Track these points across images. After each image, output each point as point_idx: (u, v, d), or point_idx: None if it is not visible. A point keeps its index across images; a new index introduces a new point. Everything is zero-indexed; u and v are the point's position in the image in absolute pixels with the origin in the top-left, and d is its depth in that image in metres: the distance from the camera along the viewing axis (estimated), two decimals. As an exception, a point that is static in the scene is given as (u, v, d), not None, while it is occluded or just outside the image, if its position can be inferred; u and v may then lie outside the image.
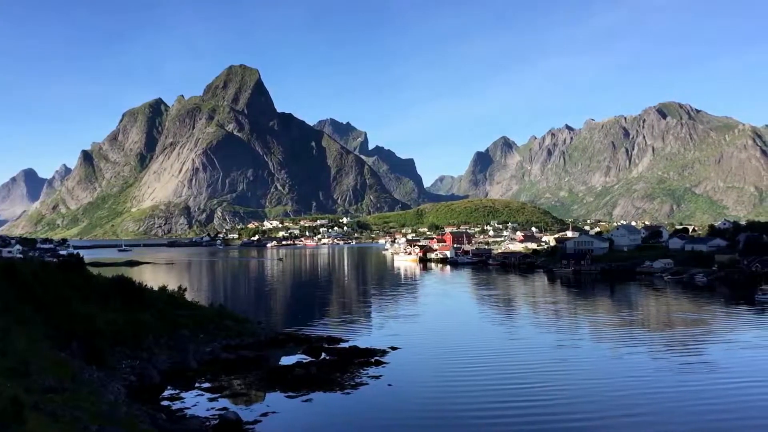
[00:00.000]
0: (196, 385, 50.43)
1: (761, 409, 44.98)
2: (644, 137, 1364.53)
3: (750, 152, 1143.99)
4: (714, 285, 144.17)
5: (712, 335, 77.36)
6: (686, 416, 43.24)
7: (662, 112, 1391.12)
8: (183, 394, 47.48)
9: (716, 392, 49.22)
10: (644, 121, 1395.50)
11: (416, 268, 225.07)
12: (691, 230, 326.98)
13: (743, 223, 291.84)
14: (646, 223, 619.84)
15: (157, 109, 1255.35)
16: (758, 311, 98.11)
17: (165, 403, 44.92)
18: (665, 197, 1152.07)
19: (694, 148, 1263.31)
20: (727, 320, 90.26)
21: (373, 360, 60.09)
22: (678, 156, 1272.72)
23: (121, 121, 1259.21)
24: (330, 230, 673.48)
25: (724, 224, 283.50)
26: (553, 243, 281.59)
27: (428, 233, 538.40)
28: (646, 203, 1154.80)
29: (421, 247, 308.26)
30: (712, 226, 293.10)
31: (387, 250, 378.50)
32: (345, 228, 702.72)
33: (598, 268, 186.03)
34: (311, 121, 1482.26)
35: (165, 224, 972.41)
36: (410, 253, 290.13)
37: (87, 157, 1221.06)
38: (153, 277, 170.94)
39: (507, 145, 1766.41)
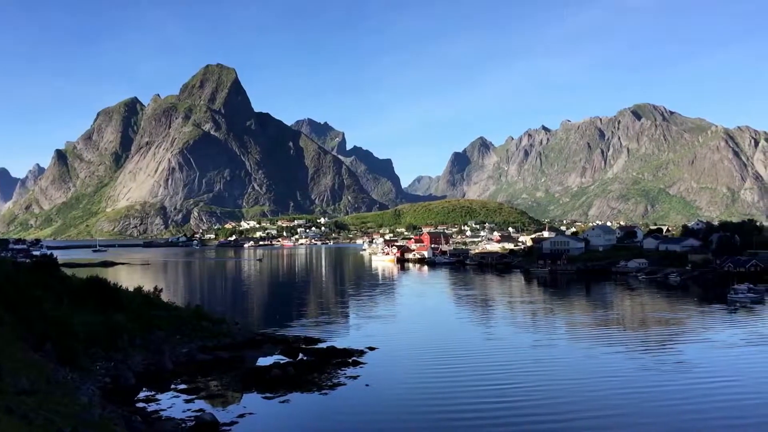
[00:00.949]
0: (172, 386, 50.04)
1: (736, 408, 45.58)
2: (619, 138, 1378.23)
3: (722, 153, 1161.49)
4: (687, 284, 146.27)
5: (686, 334, 78.45)
6: (663, 416, 43.70)
7: (637, 113, 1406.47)
8: (158, 396, 47.07)
9: (692, 391, 49.83)
10: (619, 122, 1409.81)
11: (394, 269, 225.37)
12: (665, 230, 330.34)
13: (716, 223, 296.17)
14: (621, 223, 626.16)
15: (132, 108, 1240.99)
16: (731, 310, 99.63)
17: (140, 404, 44.49)
18: (640, 198, 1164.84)
19: (668, 149, 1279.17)
20: (700, 319, 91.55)
21: (350, 360, 60.11)
22: (652, 157, 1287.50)
23: (95, 120, 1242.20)
24: (308, 230, 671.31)
25: (698, 225, 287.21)
26: (529, 243, 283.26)
27: (406, 233, 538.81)
28: (621, 204, 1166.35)
29: (399, 247, 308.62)
30: (685, 227, 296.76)
31: (365, 250, 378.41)
32: (323, 228, 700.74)
33: (574, 268, 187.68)
34: (289, 121, 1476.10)
35: (140, 224, 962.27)
36: (388, 254, 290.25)
37: (61, 156, 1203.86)
38: (128, 278, 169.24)
39: (484, 145, 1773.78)
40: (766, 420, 42.95)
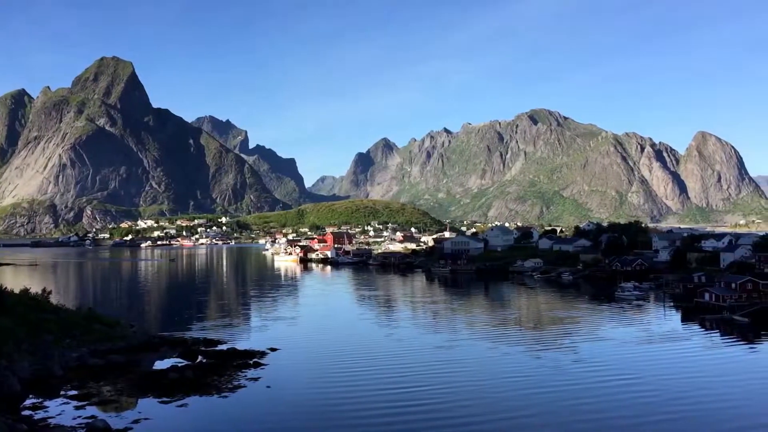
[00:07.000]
0: (62, 392, 47.87)
1: (630, 405, 47.94)
2: (517, 142, 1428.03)
3: (612, 158, 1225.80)
4: (579, 283, 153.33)
5: (580, 332, 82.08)
6: (564, 416, 45.43)
7: (534, 118, 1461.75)
8: (47, 403, 44.91)
9: (588, 390, 52.05)
10: (517, 126, 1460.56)
11: (297, 269, 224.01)
12: (558, 231, 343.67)
13: (605, 224, 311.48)
14: (519, 224, 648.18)
15: (20, 100, 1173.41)
16: (618, 308, 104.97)
17: (26, 412, 42.33)
18: (536, 199, 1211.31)
19: (562, 153, 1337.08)
20: (591, 317, 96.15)
21: (251, 362, 59.48)
22: (548, 160, 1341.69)
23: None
24: (208, 230, 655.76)
25: (588, 226, 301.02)
26: (431, 243, 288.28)
27: (309, 233, 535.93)
28: (518, 205, 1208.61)
29: (302, 247, 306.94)
30: (577, 228, 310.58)
31: (267, 250, 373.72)
32: (224, 228, 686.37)
33: (473, 268, 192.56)
34: (189, 118, 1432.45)
35: (28, 223, 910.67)
36: (291, 254, 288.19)
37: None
38: (14, 279, 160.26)
39: (388, 146, 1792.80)
40: (660, 416, 45.11)
